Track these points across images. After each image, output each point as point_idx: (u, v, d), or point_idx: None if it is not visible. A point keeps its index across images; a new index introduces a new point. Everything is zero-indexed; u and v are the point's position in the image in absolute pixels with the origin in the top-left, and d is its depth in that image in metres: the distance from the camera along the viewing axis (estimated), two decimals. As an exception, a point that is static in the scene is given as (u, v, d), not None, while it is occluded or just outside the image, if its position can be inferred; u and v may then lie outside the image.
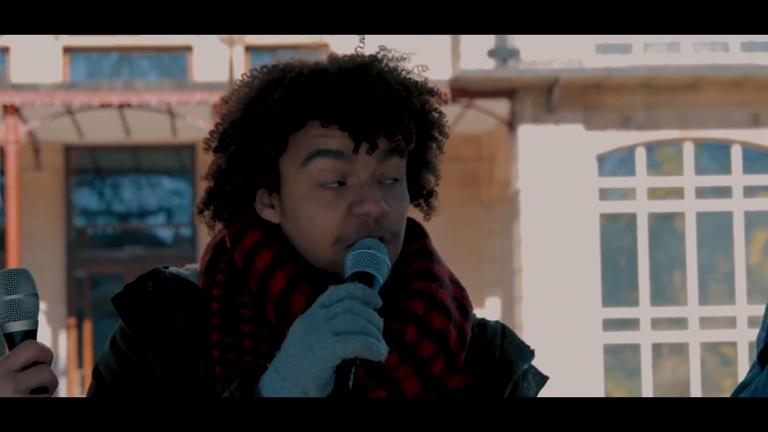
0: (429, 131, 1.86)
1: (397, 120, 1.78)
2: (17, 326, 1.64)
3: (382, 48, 1.86)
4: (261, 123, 1.79)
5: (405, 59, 1.85)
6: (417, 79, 1.85)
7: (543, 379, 1.91)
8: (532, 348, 1.91)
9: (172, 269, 1.85)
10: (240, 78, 1.86)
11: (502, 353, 1.88)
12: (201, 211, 1.88)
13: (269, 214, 1.84)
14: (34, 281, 1.66)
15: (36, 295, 1.66)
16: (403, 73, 1.84)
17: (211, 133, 1.86)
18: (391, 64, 1.84)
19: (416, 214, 1.93)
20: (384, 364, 1.71)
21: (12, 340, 1.64)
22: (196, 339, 1.78)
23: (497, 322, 1.93)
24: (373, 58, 1.83)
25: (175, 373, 1.76)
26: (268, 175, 1.82)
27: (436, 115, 1.86)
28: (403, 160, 1.82)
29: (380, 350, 1.61)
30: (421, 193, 1.91)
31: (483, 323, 1.91)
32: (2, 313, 1.64)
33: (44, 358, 1.63)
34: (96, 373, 1.81)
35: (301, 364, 1.61)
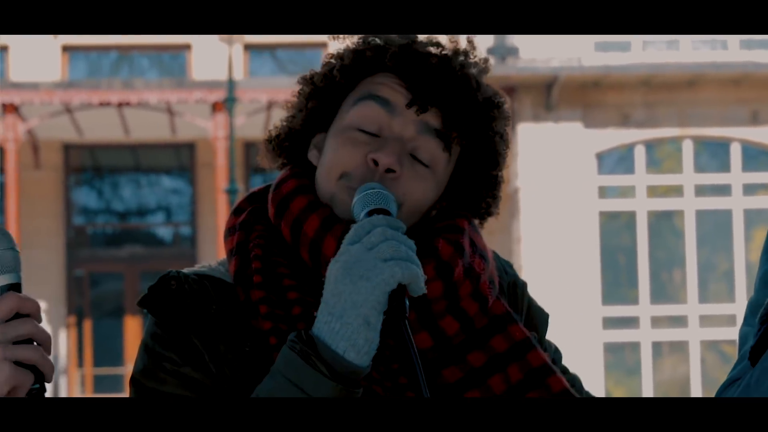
0: (490, 144, 1.89)
1: (456, 100, 1.83)
2: None
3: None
4: (342, 60, 1.89)
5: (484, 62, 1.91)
6: (491, 93, 1.89)
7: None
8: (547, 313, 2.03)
9: (186, 269, 1.87)
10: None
11: (529, 313, 1.98)
12: (270, 141, 1.94)
13: (313, 155, 1.90)
14: (12, 237, 1.62)
15: (14, 249, 1.61)
16: (483, 77, 1.89)
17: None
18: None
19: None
20: (429, 295, 1.76)
21: None
22: (236, 323, 1.78)
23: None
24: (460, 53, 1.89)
25: (223, 358, 1.76)
26: (327, 111, 1.89)
27: (501, 130, 1.89)
28: (444, 153, 1.84)
29: (423, 282, 1.64)
30: (478, 205, 1.93)
31: (515, 282, 1.99)
32: None
33: (27, 309, 1.58)
34: (134, 383, 1.79)
35: (357, 295, 1.61)
